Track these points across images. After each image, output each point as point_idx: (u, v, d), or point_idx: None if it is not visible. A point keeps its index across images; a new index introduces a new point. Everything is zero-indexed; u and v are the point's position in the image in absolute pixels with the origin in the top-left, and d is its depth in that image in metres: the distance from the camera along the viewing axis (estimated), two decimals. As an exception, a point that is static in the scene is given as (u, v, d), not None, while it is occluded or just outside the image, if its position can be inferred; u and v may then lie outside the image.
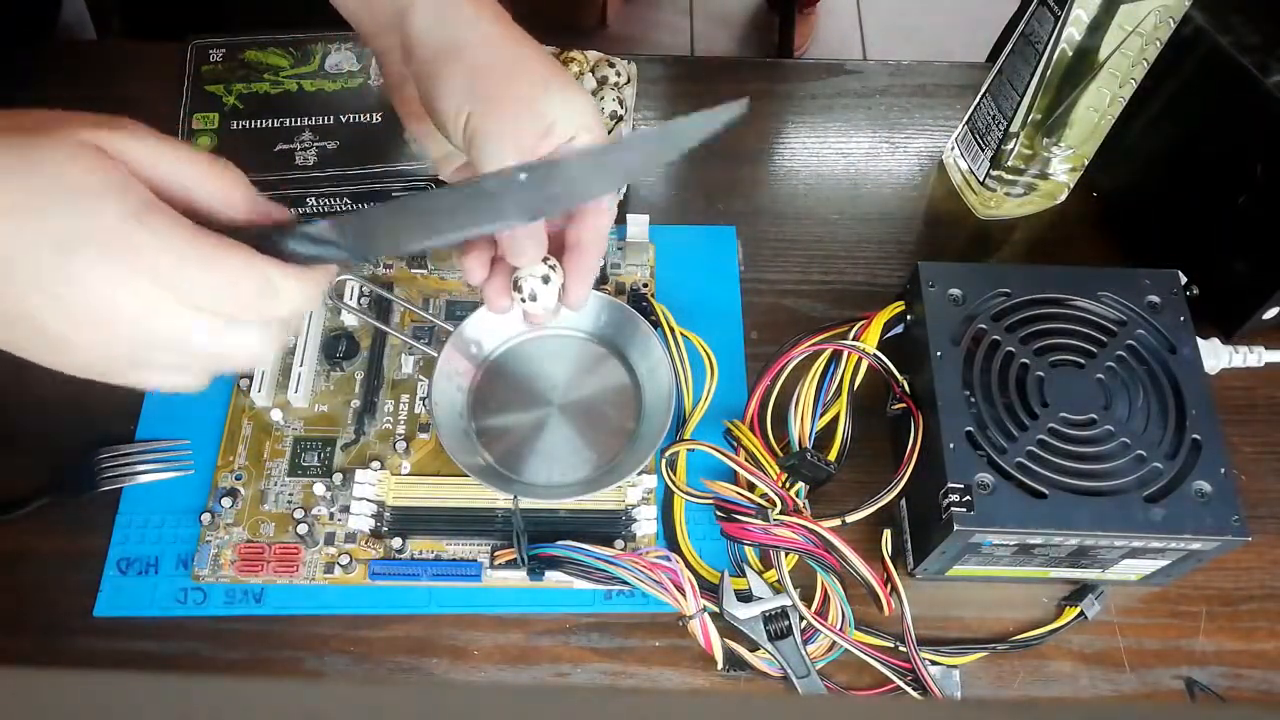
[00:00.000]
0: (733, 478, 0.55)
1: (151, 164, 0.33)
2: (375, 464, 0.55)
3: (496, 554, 0.52)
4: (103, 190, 0.31)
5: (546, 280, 0.46)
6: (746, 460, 0.54)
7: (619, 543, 0.53)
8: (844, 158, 0.69)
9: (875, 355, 0.56)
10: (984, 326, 0.53)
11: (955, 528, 0.47)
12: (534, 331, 0.58)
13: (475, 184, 0.39)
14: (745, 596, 0.52)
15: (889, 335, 0.57)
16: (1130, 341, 0.53)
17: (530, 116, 0.42)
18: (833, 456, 0.55)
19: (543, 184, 0.38)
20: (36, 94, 0.68)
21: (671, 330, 0.58)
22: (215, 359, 0.36)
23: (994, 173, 0.63)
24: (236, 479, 0.54)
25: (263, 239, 0.35)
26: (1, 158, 0.31)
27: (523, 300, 0.47)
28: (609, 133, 0.64)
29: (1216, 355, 0.57)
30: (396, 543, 0.53)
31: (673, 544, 0.54)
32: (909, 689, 0.51)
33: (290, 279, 0.35)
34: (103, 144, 0.32)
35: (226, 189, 0.35)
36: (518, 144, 0.42)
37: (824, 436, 0.56)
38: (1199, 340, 0.53)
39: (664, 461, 0.55)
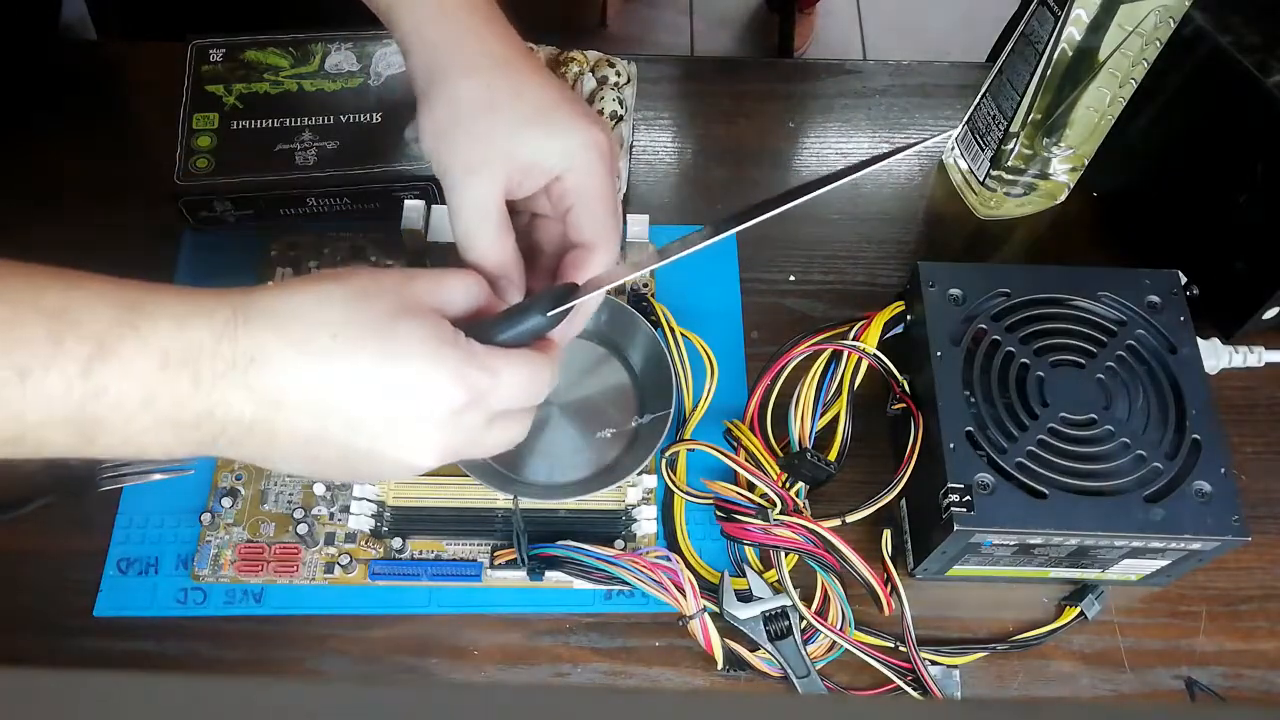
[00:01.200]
0: (733, 478, 0.55)
1: (437, 288, 0.39)
2: (375, 464, 0.55)
3: (496, 554, 0.52)
4: (444, 347, 0.37)
5: None
6: (746, 460, 0.54)
7: (619, 543, 0.53)
8: (844, 158, 0.69)
9: (875, 355, 0.56)
10: (984, 326, 0.53)
11: (955, 528, 0.47)
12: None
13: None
14: (745, 596, 0.52)
15: (889, 335, 0.57)
16: (1130, 341, 0.52)
17: (499, 168, 0.42)
18: (833, 456, 0.55)
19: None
20: (37, 94, 0.68)
21: (671, 330, 0.58)
22: (492, 451, 0.41)
23: (994, 173, 0.63)
24: (236, 479, 0.54)
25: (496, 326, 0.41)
26: (370, 317, 0.37)
27: None
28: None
29: (1216, 355, 0.57)
30: (396, 543, 0.53)
31: (673, 544, 0.54)
32: (909, 689, 0.51)
33: (556, 359, 0.42)
34: (419, 289, 0.38)
35: (473, 292, 0.41)
36: (483, 198, 0.43)
37: (824, 436, 0.56)
38: (1199, 340, 0.53)
39: (664, 461, 0.55)
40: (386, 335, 0.36)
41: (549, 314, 0.41)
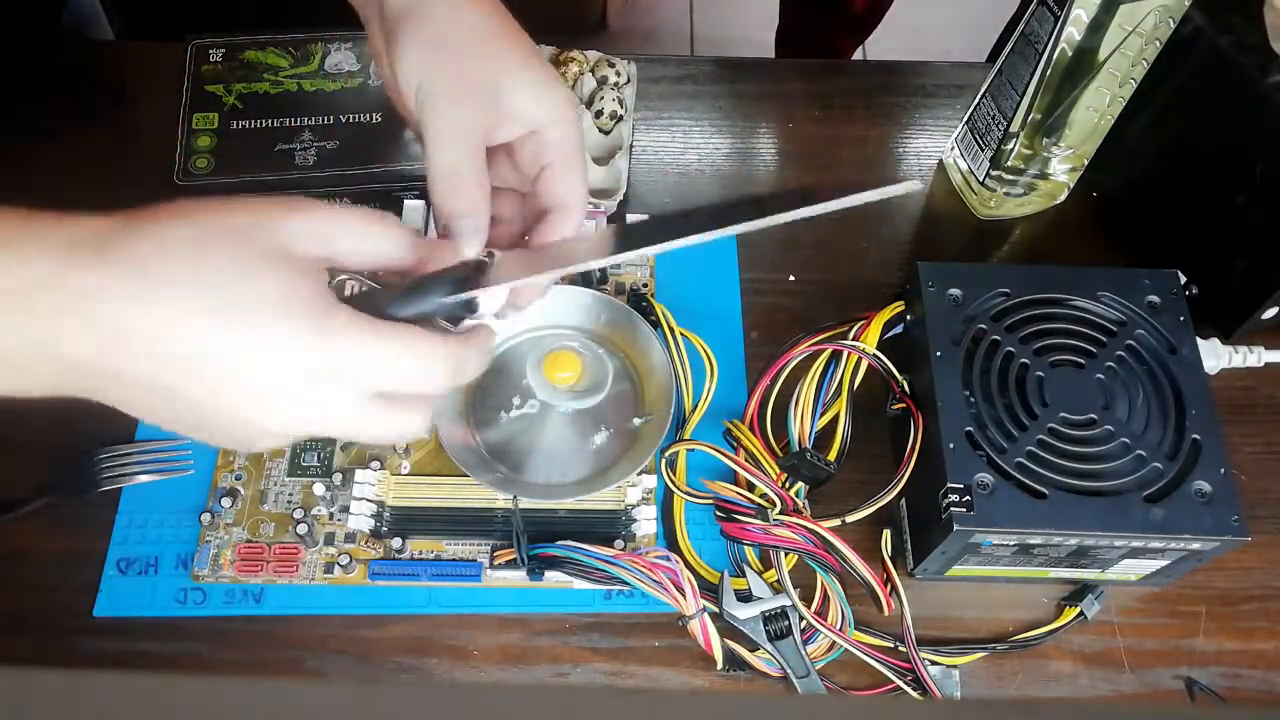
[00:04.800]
0: (732, 478, 0.55)
1: (328, 236, 0.35)
2: (375, 464, 0.55)
3: (496, 554, 0.52)
4: (295, 307, 0.33)
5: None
6: (746, 460, 0.54)
7: (619, 543, 0.53)
8: (844, 158, 0.69)
9: (875, 355, 0.56)
10: (984, 326, 0.53)
11: (955, 528, 0.47)
12: (535, 331, 0.58)
13: None
14: (745, 596, 0.52)
15: (889, 335, 0.57)
16: (1130, 341, 0.52)
17: (486, 103, 0.40)
18: (832, 456, 0.55)
19: None
20: (37, 94, 0.68)
21: (671, 330, 0.58)
22: (378, 438, 0.38)
23: (994, 173, 0.63)
24: (236, 479, 0.54)
25: (430, 286, 0.37)
26: (210, 270, 0.33)
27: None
28: (608, 133, 0.64)
29: (1216, 355, 0.57)
30: (396, 543, 0.53)
31: (672, 544, 0.54)
32: (909, 689, 0.51)
33: (473, 347, 0.37)
34: (287, 235, 0.34)
35: (392, 241, 0.37)
36: (469, 129, 0.40)
37: (824, 436, 0.56)
38: (1199, 340, 0.53)
39: (664, 461, 0.55)
40: (229, 288, 0.33)
41: (444, 299, 0.37)
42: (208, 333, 0.33)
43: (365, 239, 0.36)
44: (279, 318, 0.33)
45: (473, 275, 0.38)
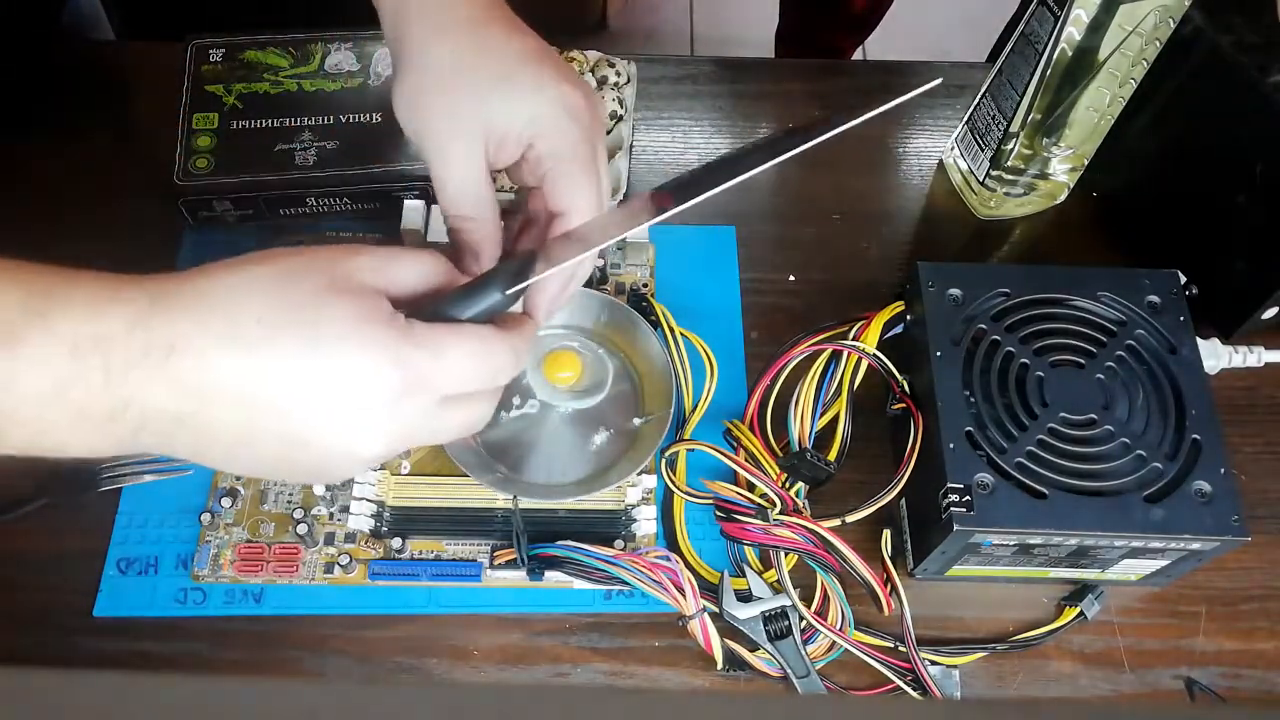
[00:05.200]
0: (733, 478, 0.55)
1: (380, 268, 0.37)
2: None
3: (496, 554, 0.52)
4: (374, 330, 0.35)
5: None
6: (746, 460, 0.54)
7: (619, 543, 0.53)
8: (844, 158, 0.69)
9: (875, 355, 0.56)
10: (984, 326, 0.53)
11: (955, 528, 0.47)
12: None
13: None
14: (745, 596, 0.52)
15: (889, 335, 0.57)
16: (1130, 341, 0.52)
17: (474, 137, 0.41)
18: (832, 456, 0.55)
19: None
20: (37, 94, 0.68)
21: (671, 330, 0.58)
22: (453, 436, 0.39)
23: (994, 173, 0.63)
24: (236, 479, 0.54)
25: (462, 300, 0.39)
26: (292, 306, 0.34)
27: None
28: (608, 133, 0.64)
29: (1216, 355, 0.57)
30: (396, 543, 0.53)
31: (672, 544, 0.54)
32: (909, 689, 0.51)
33: (524, 336, 0.39)
34: (349, 269, 0.36)
35: (430, 265, 0.39)
36: (463, 162, 0.41)
37: (824, 436, 0.56)
38: (1199, 340, 0.53)
39: (664, 461, 0.55)
40: (312, 319, 0.34)
41: (507, 291, 0.39)
42: (299, 365, 0.34)
43: (410, 266, 0.38)
44: (364, 342, 0.34)
45: (521, 268, 0.40)
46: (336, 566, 0.52)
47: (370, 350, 0.34)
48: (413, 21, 0.42)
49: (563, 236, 0.42)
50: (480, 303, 0.39)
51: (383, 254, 0.37)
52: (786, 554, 0.52)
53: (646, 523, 0.54)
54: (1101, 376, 0.51)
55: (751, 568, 0.53)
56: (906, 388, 0.55)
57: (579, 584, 0.52)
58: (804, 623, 0.51)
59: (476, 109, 0.41)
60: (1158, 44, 0.55)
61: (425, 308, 0.38)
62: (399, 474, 0.55)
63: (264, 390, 0.34)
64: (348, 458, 0.36)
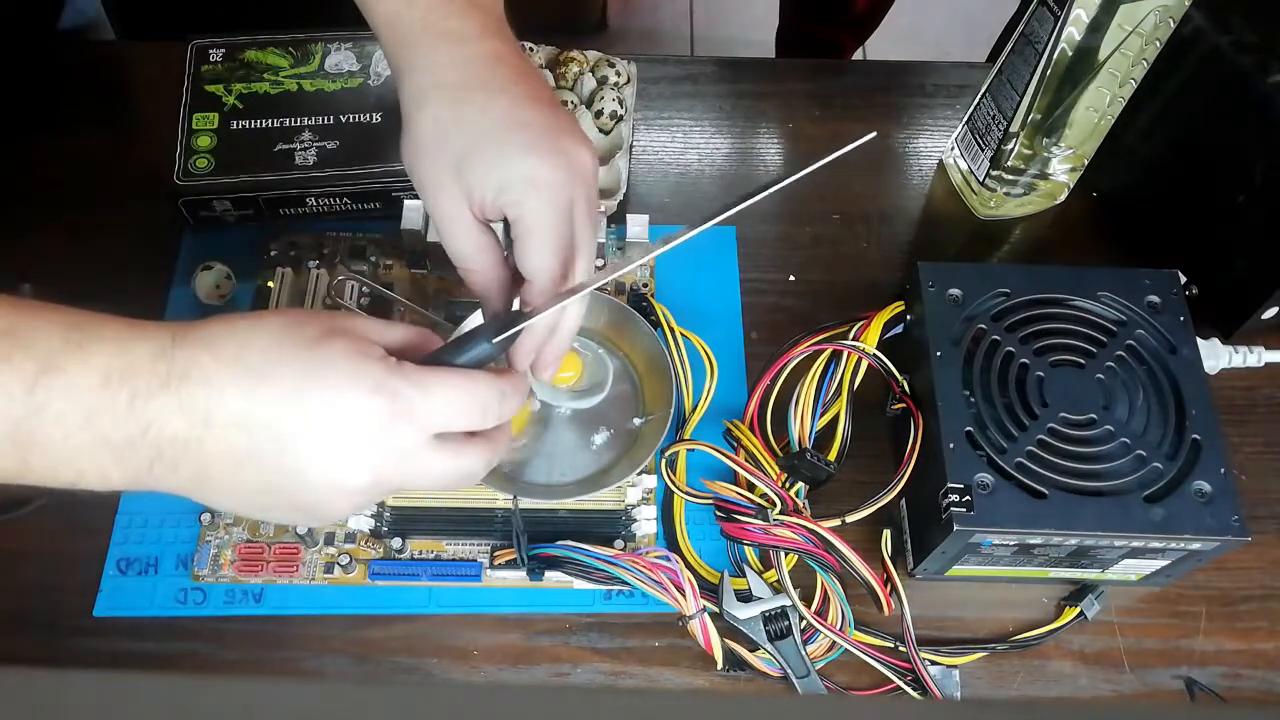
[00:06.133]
0: (733, 478, 0.55)
1: (377, 327, 0.41)
2: (375, 464, 0.55)
3: (496, 554, 0.52)
4: (365, 364, 0.38)
5: None
6: (746, 460, 0.54)
7: (619, 543, 0.53)
8: (844, 158, 0.69)
9: (875, 355, 0.56)
10: (984, 326, 0.53)
11: (955, 528, 0.47)
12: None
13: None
14: (745, 596, 0.52)
15: (889, 335, 0.57)
16: (1130, 341, 0.52)
17: (457, 188, 0.43)
18: (832, 456, 0.55)
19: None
20: (37, 94, 0.68)
21: (671, 330, 0.58)
22: (447, 482, 0.41)
23: (994, 173, 0.63)
24: (236, 479, 0.54)
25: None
26: (292, 345, 0.37)
27: None
28: (608, 133, 0.64)
29: (1216, 355, 0.57)
30: (396, 543, 0.53)
31: (673, 544, 0.54)
32: (909, 689, 0.51)
33: (511, 383, 0.41)
34: (348, 321, 0.39)
35: (422, 334, 0.42)
36: (452, 209, 0.43)
37: (824, 436, 0.56)
38: (1199, 340, 0.53)
39: (664, 461, 0.55)
40: (310, 355, 0.37)
41: (493, 339, 0.42)
42: (296, 393, 0.36)
43: (403, 330, 0.42)
44: (355, 374, 0.37)
45: (512, 320, 0.43)
46: (336, 566, 0.52)
47: (361, 381, 0.37)
48: (403, 80, 0.44)
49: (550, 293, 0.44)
50: (469, 350, 0.41)
51: (380, 320, 0.42)
52: (786, 554, 0.52)
53: (646, 523, 0.54)
54: (1101, 376, 0.51)
55: (751, 568, 0.53)
56: (906, 388, 0.55)
57: (579, 584, 0.52)
58: (804, 623, 0.51)
59: (455, 177, 0.43)
60: (1158, 44, 0.55)
61: (417, 359, 0.40)
62: (399, 474, 0.55)
63: (263, 415, 0.36)
64: (336, 490, 0.38)
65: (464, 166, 0.42)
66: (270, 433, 0.36)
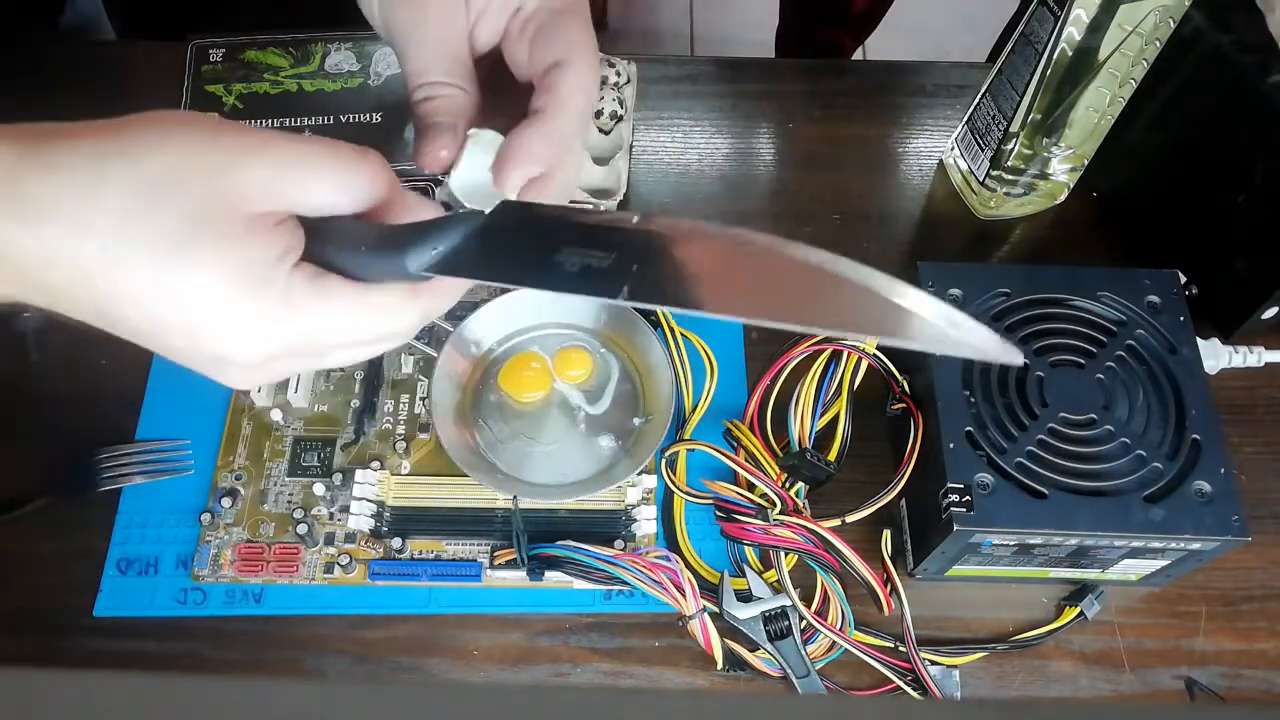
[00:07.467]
0: (733, 478, 0.55)
1: (299, 188, 0.31)
2: (375, 464, 0.55)
3: (496, 554, 0.52)
4: (250, 292, 0.30)
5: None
6: (746, 460, 0.54)
7: (619, 543, 0.53)
8: (844, 158, 0.69)
9: (875, 355, 0.56)
10: (984, 326, 0.53)
11: (955, 528, 0.47)
12: (535, 330, 0.58)
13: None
14: (745, 596, 0.52)
15: (889, 335, 0.57)
16: (1130, 341, 0.52)
17: (450, 23, 0.37)
18: (832, 456, 0.55)
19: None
20: (38, 94, 0.68)
21: (671, 330, 0.58)
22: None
23: (994, 173, 0.63)
24: (236, 479, 0.54)
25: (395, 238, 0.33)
26: (159, 226, 0.29)
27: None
28: (608, 133, 0.64)
29: (1216, 355, 0.57)
30: (396, 543, 0.53)
31: (673, 544, 0.54)
32: (909, 689, 0.51)
33: (444, 295, 0.34)
34: (255, 185, 0.30)
35: (354, 176, 0.32)
36: (444, 13, 0.37)
37: (824, 436, 0.56)
38: (1199, 340, 0.53)
39: (664, 461, 0.55)
40: (166, 264, 0.29)
41: (419, 268, 0.32)
42: (144, 311, 0.30)
43: (325, 177, 0.32)
44: (221, 310, 0.30)
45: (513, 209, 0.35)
46: (336, 566, 0.52)
47: (239, 314, 0.30)
48: None
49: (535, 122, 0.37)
50: (436, 242, 0.32)
51: (286, 161, 0.31)
52: (786, 554, 0.52)
53: (646, 523, 0.54)
54: (1101, 376, 0.51)
55: (751, 568, 0.53)
56: (906, 388, 0.55)
57: (579, 584, 0.52)
58: (804, 623, 0.51)
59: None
60: (1158, 44, 0.55)
61: (350, 238, 0.32)
62: (399, 474, 0.55)
63: (110, 310, 0.31)
64: (206, 371, 0.33)
65: None
66: (122, 325, 0.31)
